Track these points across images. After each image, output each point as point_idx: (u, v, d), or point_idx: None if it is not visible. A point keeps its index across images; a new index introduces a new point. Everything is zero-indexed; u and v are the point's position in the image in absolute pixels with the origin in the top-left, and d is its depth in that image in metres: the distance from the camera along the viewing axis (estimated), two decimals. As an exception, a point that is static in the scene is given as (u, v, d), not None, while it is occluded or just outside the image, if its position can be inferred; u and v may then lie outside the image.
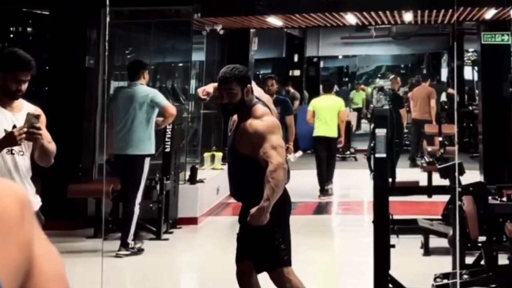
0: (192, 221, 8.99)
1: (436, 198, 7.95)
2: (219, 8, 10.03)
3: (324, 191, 11.01)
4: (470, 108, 16.53)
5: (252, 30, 12.04)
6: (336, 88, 21.46)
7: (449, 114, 16.27)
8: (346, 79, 30.90)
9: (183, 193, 8.96)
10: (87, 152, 9.32)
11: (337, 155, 15.87)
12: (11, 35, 13.32)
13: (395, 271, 5.33)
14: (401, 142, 13.71)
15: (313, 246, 7.76)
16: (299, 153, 10.64)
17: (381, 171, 5.25)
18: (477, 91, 15.20)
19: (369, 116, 19.22)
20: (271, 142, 4.05)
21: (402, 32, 19.17)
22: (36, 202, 4.41)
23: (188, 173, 9.52)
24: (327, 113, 11.19)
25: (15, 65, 4.22)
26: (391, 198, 5.35)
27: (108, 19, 8.12)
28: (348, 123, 16.44)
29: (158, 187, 8.36)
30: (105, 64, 9.32)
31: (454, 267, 5.62)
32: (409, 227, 7.52)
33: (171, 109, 7.69)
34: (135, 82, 7.74)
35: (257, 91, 4.47)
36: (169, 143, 8.64)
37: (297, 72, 19.36)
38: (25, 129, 4.08)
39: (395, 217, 5.52)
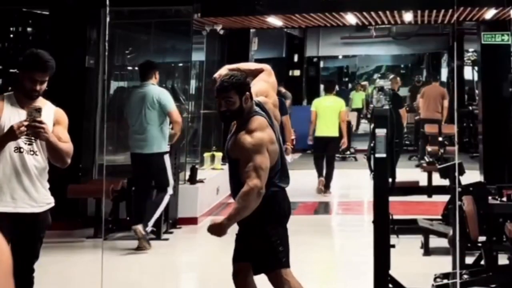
0: (192, 221, 8.99)
1: (436, 198, 7.95)
2: (219, 8, 10.03)
3: (328, 188, 11.28)
4: (470, 108, 16.52)
5: (252, 30, 12.04)
6: (336, 88, 21.51)
7: (449, 114, 16.28)
8: (346, 79, 30.89)
9: (183, 193, 8.96)
10: (87, 152, 9.32)
11: (337, 155, 15.93)
12: (11, 35, 13.31)
13: (395, 271, 5.32)
14: (401, 142, 13.70)
15: (313, 246, 7.75)
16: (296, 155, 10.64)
17: (381, 171, 5.25)
18: (477, 91, 15.20)
19: (369, 116, 19.23)
20: (255, 162, 3.99)
21: (402, 32, 19.17)
22: (48, 203, 4.41)
23: (188, 173, 9.52)
24: (328, 113, 11.36)
25: (31, 65, 4.28)
26: (391, 198, 5.35)
27: (108, 19, 8.12)
28: (348, 123, 16.45)
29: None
30: (105, 64, 9.33)
31: (454, 267, 5.62)
32: (409, 227, 7.52)
33: (175, 115, 7.83)
34: (147, 83, 7.95)
35: (262, 97, 4.35)
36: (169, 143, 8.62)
37: (297, 72, 19.37)
38: (26, 123, 4.08)
39: (395, 217, 5.52)
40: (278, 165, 4.23)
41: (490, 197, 6.01)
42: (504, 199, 6.01)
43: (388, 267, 5.21)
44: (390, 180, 5.41)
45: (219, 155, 10.64)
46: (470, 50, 19.30)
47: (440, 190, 7.58)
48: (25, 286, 4.40)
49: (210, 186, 9.62)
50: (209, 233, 4.17)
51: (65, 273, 7.12)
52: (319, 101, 11.88)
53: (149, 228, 7.74)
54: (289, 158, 9.75)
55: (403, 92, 19.65)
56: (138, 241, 7.63)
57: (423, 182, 8.67)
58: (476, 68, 17.62)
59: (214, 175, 10.06)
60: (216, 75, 4.43)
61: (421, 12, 10.40)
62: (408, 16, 10.90)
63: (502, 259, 5.89)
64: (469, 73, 19.96)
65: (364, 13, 10.27)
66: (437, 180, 7.78)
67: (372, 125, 5.45)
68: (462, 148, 14.84)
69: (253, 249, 4.27)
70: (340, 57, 26.51)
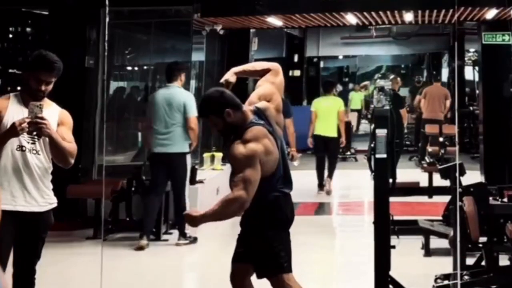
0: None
1: (437, 198, 7.92)
2: (219, 8, 10.02)
3: (322, 186, 11.43)
4: (471, 108, 16.51)
5: (252, 30, 12.02)
6: (339, 87, 21.48)
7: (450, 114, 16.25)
8: (346, 79, 30.88)
9: (183, 194, 8.93)
10: (87, 152, 9.31)
11: (338, 155, 15.92)
12: (11, 35, 13.31)
13: (396, 271, 5.31)
14: (401, 143, 13.68)
15: (313, 246, 7.74)
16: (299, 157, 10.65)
17: (382, 171, 5.24)
18: (477, 91, 15.19)
19: (369, 116, 19.24)
20: (244, 175, 3.96)
21: (402, 32, 19.16)
22: (51, 203, 4.41)
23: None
24: (327, 113, 11.46)
25: (37, 65, 4.30)
26: (391, 199, 5.34)
27: (108, 19, 8.12)
28: (348, 124, 16.45)
29: (158, 187, 8.35)
30: (105, 64, 9.32)
31: (454, 268, 5.61)
32: (410, 227, 7.51)
33: (194, 122, 7.96)
34: (172, 84, 8.10)
35: (263, 102, 4.27)
36: (169, 143, 8.61)
37: (297, 72, 19.36)
38: (27, 119, 4.08)
39: (396, 217, 5.51)
40: (279, 170, 4.18)
41: (491, 198, 6.00)
42: (505, 199, 6.00)
43: (389, 267, 5.19)
44: (390, 180, 5.40)
45: (219, 155, 10.63)
46: (471, 50, 19.29)
47: (441, 190, 7.55)
48: (27, 287, 4.39)
49: (210, 186, 9.60)
50: (187, 220, 4.17)
51: (65, 274, 7.11)
52: (318, 101, 11.94)
53: (188, 233, 8.09)
54: (295, 163, 9.81)
55: (404, 92, 19.63)
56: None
57: (424, 182, 8.66)
58: (476, 68, 17.60)
59: (214, 175, 10.04)
60: (222, 80, 4.42)
61: (421, 12, 10.38)
62: (408, 16, 10.89)
63: (503, 260, 5.88)
64: (470, 73, 19.95)
65: (364, 13, 10.26)
66: (438, 180, 7.76)
67: (373, 126, 5.44)
68: (462, 149, 14.83)
69: (254, 254, 4.25)
70: (340, 57, 26.50)
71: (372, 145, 5.25)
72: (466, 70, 19.73)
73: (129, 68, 12.54)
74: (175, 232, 8.63)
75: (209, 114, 4.21)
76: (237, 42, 12.24)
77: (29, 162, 4.27)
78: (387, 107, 5.70)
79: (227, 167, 7.09)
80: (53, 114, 4.35)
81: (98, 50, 9.50)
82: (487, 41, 10.50)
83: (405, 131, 15.47)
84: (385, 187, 5.24)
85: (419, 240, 7.46)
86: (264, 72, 4.47)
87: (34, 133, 4.17)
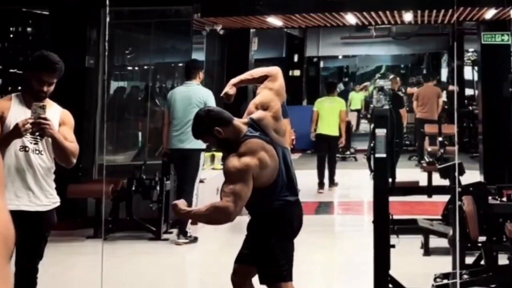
0: (192, 221, 8.98)
1: (436, 198, 7.94)
2: (219, 8, 10.03)
3: (322, 185, 11.82)
4: (470, 108, 16.53)
5: (252, 30, 12.03)
6: (341, 87, 21.50)
7: (449, 114, 16.26)
8: (346, 79, 30.89)
9: (183, 193, 8.95)
10: (87, 152, 9.31)
11: (337, 155, 15.94)
12: (11, 35, 13.31)
13: (395, 271, 5.32)
14: (401, 142, 13.70)
15: (313, 246, 7.75)
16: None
17: (381, 171, 5.25)
18: (477, 91, 15.20)
19: (369, 116, 19.25)
20: (235, 188, 3.95)
21: (402, 32, 19.17)
22: (54, 203, 4.43)
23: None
24: (329, 113, 11.76)
25: (39, 66, 4.32)
26: (391, 198, 5.35)
27: (108, 19, 8.13)
28: (348, 123, 16.46)
29: (158, 187, 8.37)
30: (105, 64, 9.33)
31: (454, 267, 5.62)
32: (409, 227, 7.52)
33: None
34: (191, 82, 8.25)
35: (259, 112, 4.21)
36: (169, 143, 8.63)
37: (297, 72, 19.37)
38: (31, 120, 4.10)
39: (395, 217, 5.52)
40: (281, 178, 4.14)
41: (490, 197, 6.00)
42: (504, 199, 6.00)
43: (388, 267, 5.21)
44: (390, 180, 5.41)
45: (219, 155, 10.64)
46: (470, 50, 19.30)
47: (440, 190, 7.57)
48: (29, 286, 4.41)
49: (210, 186, 9.60)
50: (177, 210, 4.15)
51: (65, 273, 7.12)
52: (321, 101, 12.19)
53: (189, 232, 8.18)
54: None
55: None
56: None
57: (423, 182, 8.67)
58: (476, 68, 17.62)
59: (214, 175, 10.05)
60: (223, 94, 4.42)
61: (421, 12, 10.40)
62: (408, 16, 10.90)
63: (502, 259, 5.89)
64: (469, 73, 19.96)
65: (364, 13, 10.27)
66: (437, 180, 7.78)
67: (372, 125, 5.45)
68: (462, 148, 14.84)
69: (255, 259, 4.26)
70: (340, 57, 26.51)
71: (372, 144, 5.26)
72: (466, 70, 19.75)
73: (129, 68, 12.55)
74: (175, 232, 8.65)
75: (200, 134, 4.26)
76: (237, 42, 12.25)
77: (32, 162, 4.30)
78: (387, 107, 5.70)
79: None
80: (55, 114, 4.37)
81: (99, 50, 9.51)
82: (486, 41, 10.51)
83: (405, 130, 15.47)
84: (384, 186, 5.25)
85: (418, 239, 7.48)
86: (262, 78, 4.40)
87: (37, 133, 4.20)
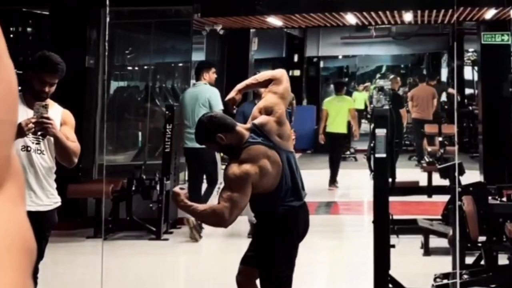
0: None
1: (436, 198, 7.95)
2: (219, 8, 10.03)
3: (334, 182, 12.16)
4: (470, 108, 16.53)
5: (252, 30, 12.03)
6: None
7: (449, 114, 16.26)
8: (346, 79, 30.88)
9: (183, 193, 8.96)
10: (87, 152, 9.31)
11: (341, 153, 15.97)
12: (11, 35, 13.31)
13: (395, 271, 5.33)
14: (401, 142, 13.71)
15: (313, 246, 7.75)
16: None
17: (381, 171, 5.25)
18: (476, 91, 15.20)
19: (369, 116, 19.25)
20: (233, 196, 3.94)
21: (402, 32, 19.17)
22: (55, 202, 4.44)
23: (188, 173, 9.51)
24: (337, 112, 12.01)
25: (41, 67, 4.32)
26: (391, 198, 5.35)
27: (108, 19, 8.13)
28: (348, 123, 16.45)
29: (158, 187, 8.37)
30: (105, 64, 9.33)
31: (454, 267, 5.62)
32: (409, 227, 7.52)
33: None
34: (199, 82, 8.54)
35: (262, 117, 4.18)
36: (169, 143, 8.64)
37: (297, 72, 19.36)
38: (33, 120, 4.10)
39: (395, 217, 5.52)
40: (285, 183, 4.13)
41: (490, 197, 6.01)
42: (504, 199, 6.01)
43: (388, 267, 5.21)
44: (390, 180, 5.41)
45: (220, 155, 10.64)
46: (470, 50, 19.30)
47: (440, 190, 7.58)
48: None
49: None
50: (176, 199, 4.13)
51: (65, 273, 7.12)
52: (329, 100, 12.52)
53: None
54: None
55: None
56: (189, 231, 8.14)
57: (423, 182, 8.68)
58: (476, 68, 17.62)
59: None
60: (227, 99, 4.43)
61: (421, 12, 10.40)
62: (408, 16, 10.90)
63: (502, 259, 5.89)
64: (469, 73, 19.96)
65: (364, 13, 10.27)
66: (437, 180, 7.78)
67: (372, 125, 5.45)
68: (462, 148, 14.84)
69: (257, 262, 4.27)
70: (340, 57, 26.49)
71: (372, 144, 5.27)
72: (466, 70, 19.75)
73: (129, 68, 12.55)
74: (176, 232, 8.65)
75: (203, 141, 4.27)
76: (237, 42, 12.26)
77: (34, 162, 4.31)
78: (387, 107, 5.70)
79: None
80: (57, 114, 4.38)
81: (99, 50, 9.51)
82: (486, 41, 10.51)
83: (405, 130, 15.48)
84: (384, 186, 5.25)
85: (418, 239, 7.48)
86: (267, 82, 4.37)
87: (39, 133, 4.20)
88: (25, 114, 4.26)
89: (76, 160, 4.38)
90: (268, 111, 4.22)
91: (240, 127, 4.17)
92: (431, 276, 5.81)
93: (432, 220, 7.70)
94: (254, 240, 4.39)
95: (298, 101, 18.96)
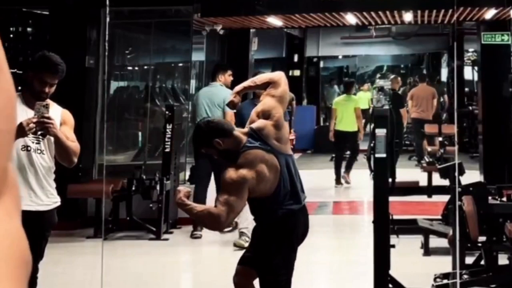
0: (192, 221, 8.98)
1: (436, 198, 7.95)
2: (219, 8, 10.03)
3: (339, 181, 12.41)
4: (470, 108, 16.53)
5: (252, 30, 12.03)
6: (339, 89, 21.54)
7: (449, 114, 16.25)
8: (346, 79, 30.88)
9: (183, 193, 8.95)
10: (87, 152, 9.31)
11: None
12: (11, 35, 13.31)
13: (395, 271, 5.33)
14: (401, 142, 13.71)
15: (313, 246, 7.74)
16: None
17: (381, 171, 5.25)
18: (477, 91, 15.19)
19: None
20: (229, 200, 3.95)
21: (402, 32, 19.16)
22: (55, 202, 4.45)
23: (188, 173, 9.51)
24: (345, 111, 12.36)
25: (42, 67, 4.33)
26: (391, 198, 5.35)
27: (108, 19, 8.13)
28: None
29: (158, 187, 8.37)
30: (105, 64, 9.33)
31: (454, 267, 5.62)
32: (409, 227, 7.52)
33: (229, 117, 8.04)
34: (215, 83, 8.66)
35: (260, 121, 4.17)
36: (169, 143, 8.64)
37: (297, 72, 19.36)
38: (34, 119, 4.11)
39: (395, 217, 5.52)
40: (284, 187, 4.12)
41: (490, 197, 6.01)
42: (504, 199, 6.01)
43: (388, 267, 5.21)
44: (390, 180, 5.41)
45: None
46: (470, 50, 19.29)
47: (440, 190, 7.58)
48: (29, 286, 4.41)
49: (210, 186, 9.61)
50: (176, 196, 4.14)
51: (65, 273, 7.12)
52: (338, 100, 13.02)
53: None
54: None
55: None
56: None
57: (423, 182, 8.68)
58: (476, 68, 17.61)
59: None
60: (227, 102, 4.44)
61: (421, 12, 10.39)
62: (408, 16, 10.90)
63: (502, 259, 5.89)
64: (469, 73, 19.96)
65: (364, 13, 10.27)
66: (437, 180, 7.78)
67: (372, 125, 5.45)
68: (462, 148, 14.84)
69: (256, 265, 4.26)
70: (340, 57, 26.47)
71: (372, 144, 5.26)
72: (466, 70, 19.75)
73: (129, 68, 12.55)
74: (176, 232, 8.65)
75: (201, 146, 4.28)
76: (237, 42, 12.25)
77: (34, 162, 4.31)
78: (387, 107, 5.70)
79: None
80: (57, 114, 4.39)
81: (99, 50, 9.51)
82: (486, 41, 10.50)
83: (405, 130, 15.48)
84: (384, 186, 5.25)
85: (418, 239, 7.48)
86: (265, 85, 4.36)
87: (39, 132, 4.20)
88: (25, 114, 4.26)
89: (75, 160, 4.39)
90: (265, 115, 4.20)
91: (238, 131, 4.17)
92: (431, 276, 5.81)
93: (432, 220, 7.70)
94: (253, 242, 4.39)
95: (298, 101, 18.97)
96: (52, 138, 4.29)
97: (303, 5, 9.99)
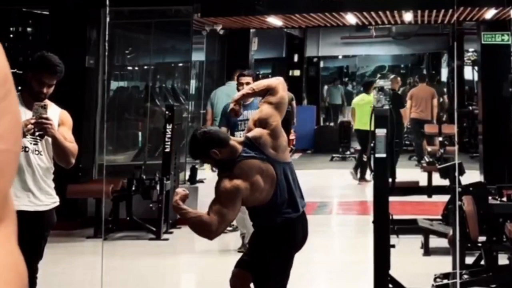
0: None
1: (436, 198, 7.95)
2: (219, 8, 10.03)
3: (362, 177, 12.69)
4: (470, 108, 16.53)
5: (252, 30, 12.03)
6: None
7: (449, 114, 16.26)
8: (346, 79, 30.88)
9: (183, 193, 8.95)
10: (87, 152, 9.31)
11: (337, 155, 15.96)
12: (11, 35, 13.32)
13: (395, 271, 5.32)
14: (401, 142, 13.71)
15: (312, 246, 7.74)
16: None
17: (381, 171, 5.25)
18: (476, 91, 15.21)
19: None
20: (222, 210, 3.95)
21: (402, 32, 19.16)
22: (54, 202, 4.45)
23: (188, 173, 9.51)
24: (361, 110, 12.50)
25: (40, 67, 4.33)
26: (391, 198, 5.35)
27: (108, 19, 8.12)
28: (348, 123, 16.46)
29: (158, 187, 8.37)
30: (105, 64, 9.33)
31: (454, 267, 5.62)
32: (409, 227, 7.52)
33: None
34: (231, 82, 8.97)
35: (257, 130, 4.15)
36: (169, 143, 8.64)
37: (297, 72, 19.37)
38: (33, 120, 4.10)
39: (395, 217, 5.52)
40: (281, 195, 4.10)
41: (490, 197, 6.01)
42: (504, 199, 6.01)
43: (388, 267, 5.21)
44: (390, 180, 5.41)
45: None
46: (470, 50, 19.29)
47: (440, 190, 7.58)
48: (29, 286, 4.40)
49: (210, 186, 9.57)
50: (174, 201, 4.14)
51: (65, 273, 7.12)
52: (356, 100, 13.27)
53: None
54: None
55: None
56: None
57: (423, 182, 8.67)
58: (476, 68, 17.61)
59: (214, 175, 10.04)
60: (228, 111, 4.46)
61: (421, 12, 10.40)
62: (408, 16, 10.90)
63: (502, 259, 5.89)
64: (469, 73, 19.96)
65: (364, 13, 10.27)
66: (437, 180, 7.78)
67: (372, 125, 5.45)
68: (462, 148, 14.84)
69: (252, 271, 4.26)
70: (340, 57, 26.48)
71: (372, 144, 5.26)
72: (466, 70, 19.75)
73: (129, 68, 12.55)
74: (176, 232, 8.65)
75: (197, 156, 4.32)
76: (237, 42, 12.26)
77: (31, 163, 4.31)
78: (387, 107, 5.70)
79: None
80: (55, 114, 4.39)
81: (98, 50, 9.51)
82: (486, 41, 10.50)
83: (405, 130, 15.48)
84: (384, 186, 5.25)
85: (418, 239, 7.48)
86: (264, 92, 4.32)
87: (37, 133, 4.20)
88: (23, 114, 4.26)
89: (73, 160, 4.39)
90: (262, 123, 4.18)
91: (234, 141, 4.16)
92: (431, 276, 5.81)
93: (432, 220, 7.70)
94: (251, 247, 4.38)
95: (298, 101, 18.98)
96: (50, 139, 4.29)
97: (303, 5, 9.99)
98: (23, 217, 4.28)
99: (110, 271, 6.15)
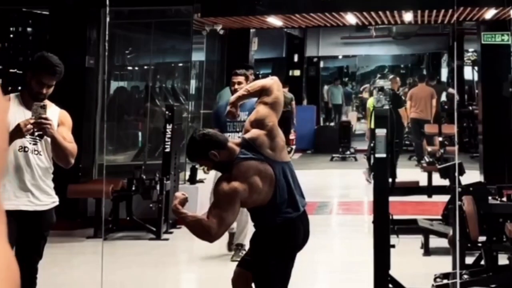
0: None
1: (436, 198, 7.95)
2: (219, 8, 10.03)
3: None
4: (470, 108, 16.54)
5: (252, 30, 12.04)
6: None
7: (449, 114, 16.27)
8: (346, 79, 30.89)
9: (183, 193, 8.96)
10: (87, 152, 9.32)
11: (337, 155, 15.96)
12: (11, 35, 13.32)
13: (395, 271, 5.32)
14: (401, 142, 13.72)
15: (313, 246, 7.73)
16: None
17: (381, 171, 5.25)
18: (477, 91, 15.20)
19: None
20: (221, 213, 3.94)
21: (402, 32, 19.16)
22: (53, 202, 4.45)
23: (188, 173, 9.51)
24: None
25: (40, 68, 4.33)
26: (391, 198, 5.35)
27: (108, 19, 8.12)
28: (348, 123, 16.48)
29: (158, 187, 8.37)
30: (105, 64, 9.33)
31: (454, 267, 5.62)
32: (409, 227, 7.52)
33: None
34: None
35: (254, 131, 4.13)
36: (169, 143, 8.64)
37: (297, 72, 19.38)
38: (32, 120, 4.11)
39: (395, 217, 5.52)
40: (279, 196, 4.08)
41: (490, 197, 6.01)
42: (504, 199, 6.01)
43: (388, 267, 5.21)
44: (390, 180, 5.41)
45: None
46: (470, 50, 19.30)
47: (440, 190, 7.59)
48: (29, 286, 4.41)
49: (210, 186, 9.57)
50: (174, 205, 4.13)
51: (65, 273, 7.12)
52: (371, 99, 13.21)
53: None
54: None
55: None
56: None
57: (423, 182, 8.68)
58: (476, 68, 17.62)
59: (214, 175, 10.05)
60: (225, 114, 4.46)
61: (421, 12, 10.40)
62: (408, 16, 10.90)
63: (502, 259, 5.89)
64: (469, 73, 19.96)
65: (364, 13, 10.28)
66: (437, 180, 7.78)
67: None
68: (462, 148, 14.84)
69: (252, 272, 4.25)
70: (340, 57, 26.50)
71: (372, 144, 5.26)
72: (466, 70, 19.75)
73: (129, 68, 12.56)
74: (176, 232, 8.65)
75: (196, 159, 4.29)
76: (237, 42, 12.26)
77: (31, 163, 4.31)
78: (387, 107, 5.70)
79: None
80: (54, 114, 4.39)
81: (98, 50, 9.51)
82: (486, 41, 10.51)
83: (406, 130, 15.50)
84: (384, 186, 5.25)
85: (418, 239, 7.48)
86: (259, 92, 4.31)
87: (37, 133, 4.20)
88: (22, 115, 4.26)
89: (72, 161, 4.39)
90: (259, 124, 4.17)
91: (231, 142, 4.15)
92: (431, 276, 5.81)
93: (432, 220, 7.70)
94: (252, 247, 4.38)
95: (298, 101, 18.99)
96: (49, 139, 4.29)
97: (303, 5, 9.99)
98: (23, 217, 4.29)
99: (110, 271, 6.15)
